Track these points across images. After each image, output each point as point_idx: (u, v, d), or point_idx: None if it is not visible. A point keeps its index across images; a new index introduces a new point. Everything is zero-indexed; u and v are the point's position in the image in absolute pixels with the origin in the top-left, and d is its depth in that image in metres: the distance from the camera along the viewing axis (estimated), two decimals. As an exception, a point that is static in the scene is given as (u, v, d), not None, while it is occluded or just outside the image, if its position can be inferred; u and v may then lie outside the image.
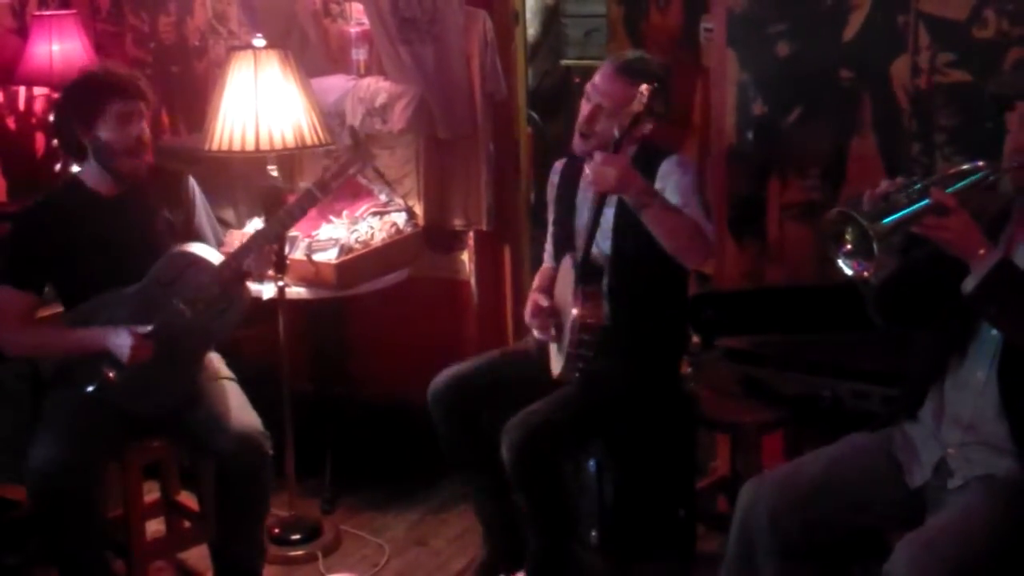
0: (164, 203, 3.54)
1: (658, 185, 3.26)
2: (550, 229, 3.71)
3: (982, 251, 2.50)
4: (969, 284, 2.51)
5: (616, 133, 3.12)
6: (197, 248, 3.46)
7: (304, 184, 3.59)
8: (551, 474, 3.29)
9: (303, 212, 3.53)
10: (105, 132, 3.36)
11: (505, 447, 3.22)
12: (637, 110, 3.09)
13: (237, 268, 3.39)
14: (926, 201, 2.49)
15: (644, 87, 3.10)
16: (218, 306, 3.38)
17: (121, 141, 3.36)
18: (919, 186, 2.56)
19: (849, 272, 2.52)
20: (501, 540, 3.65)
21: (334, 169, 3.51)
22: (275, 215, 3.51)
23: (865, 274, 2.52)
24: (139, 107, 3.39)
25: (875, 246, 2.45)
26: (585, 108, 3.36)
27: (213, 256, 3.45)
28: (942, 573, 2.40)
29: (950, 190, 2.53)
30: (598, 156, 3.11)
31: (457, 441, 3.56)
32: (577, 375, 3.26)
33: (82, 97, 3.40)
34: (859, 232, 2.49)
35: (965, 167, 2.65)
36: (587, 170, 3.20)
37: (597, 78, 3.36)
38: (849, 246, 2.53)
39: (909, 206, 2.49)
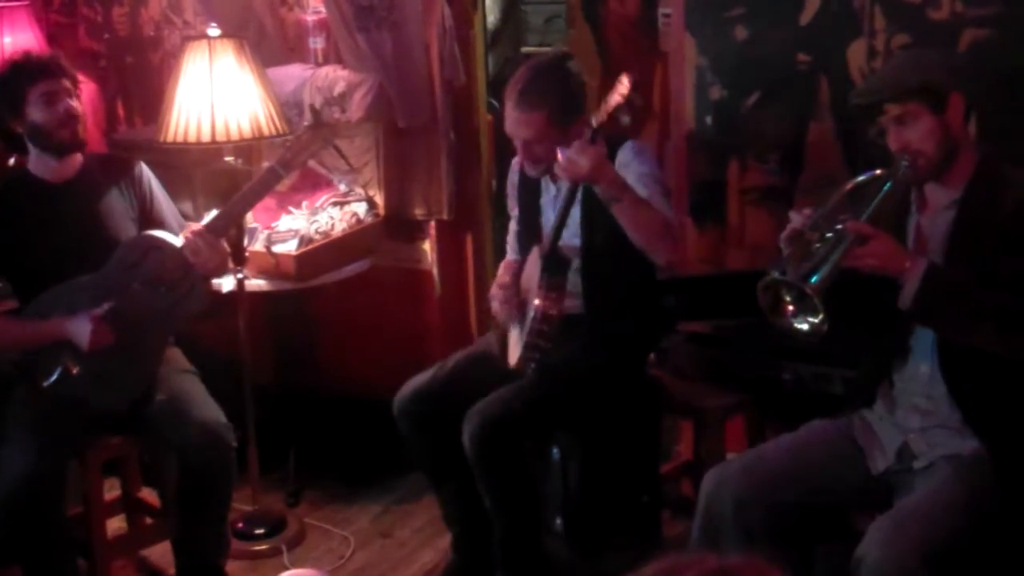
0: (115, 188, 3.53)
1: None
2: (513, 226, 3.70)
3: (908, 264, 2.52)
4: (906, 299, 2.52)
5: (594, 123, 3.09)
6: (159, 232, 3.45)
7: (266, 163, 3.56)
8: (513, 461, 3.27)
9: (267, 190, 3.52)
10: (34, 115, 3.37)
11: (466, 435, 3.20)
12: (616, 102, 3.05)
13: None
14: (844, 239, 2.50)
15: (624, 77, 3.06)
16: (180, 289, 3.36)
17: (51, 119, 3.37)
18: (823, 211, 2.59)
19: (805, 327, 2.52)
20: (471, 547, 3.60)
21: (296, 147, 3.50)
22: (238, 194, 3.49)
23: (816, 322, 2.50)
24: (62, 84, 3.40)
25: (818, 303, 2.45)
26: (517, 144, 3.36)
27: (175, 240, 3.43)
28: (915, 553, 2.41)
29: (865, 216, 2.55)
30: (574, 145, 3.08)
31: (427, 451, 3.55)
32: (533, 366, 3.26)
33: (4, 89, 3.41)
34: (796, 293, 2.50)
35: (862, 179, 2.68)
36: (559, 158, 3.17)
37: (506, 122, 3.34)
38: (791, 307, 2.54)
39: (829, 250, 2.49)
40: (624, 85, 3.04)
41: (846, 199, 2.64)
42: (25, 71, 3.39)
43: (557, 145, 3.19)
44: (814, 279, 2.45)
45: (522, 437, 3.28)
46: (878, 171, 2.66)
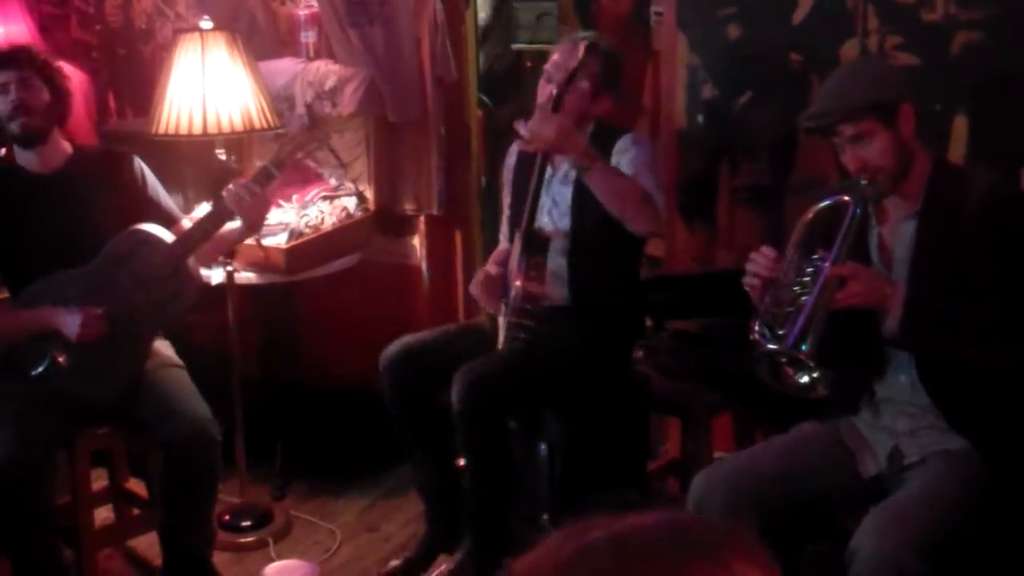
0: (107, 182, 3.51)
1: (613, 161, 3.26)
2: (505, 212, 3.70)
3: (888, 291, 2.52)
4: (891, 328, 2.52)
5: (553, 91, 3.10)
6: (150, 227, 3.44)
7: (259, 162, 3.55)
8: (496, 423, 3.28)
9: (260, 189, 3.50)
10: None
11: (454, 394, 3.19)
12: (572, 66, 3.07)
13: (188, 248, 3.39)
14: (825, 288, 2.48)
15: (580, 44, 3.09)
16: (169, 287, 3.35)
17: (2, 111, 3.39)
18: (792, 251, 2.58)
19: (806, 380, 2.51)
20: (443, 519, 3.62)
21: (290, 147, 3.49)
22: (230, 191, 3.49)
23: (817, 377, 2.48)
24: (18, 75, 3.39)
25: (814, 364, 2.44)
26: (546, 88, 3.33)
27: (166, 235, 3.42)
28: (909, 544, 2.41)
29: (841, 254, 2.52)
30: (536, 116, 3.09)
31: (405, 411, 3.53)
32: (518, 346, 3.25)
33: None
34: (790, 359, 2.49)
35: (824, 204, 2.64)
36: (521, 130, 3.18)
37: (557, 56, 3.35)
38: (790, 369, 2.52)
39: (811, 305, 2.46)
40: (579, 50, 3.07)
41: (812, 227, 2.62)
42: None
43: (586, 102, 3.22)
44: (804, 347, 2.44)
45: (509, 401, 3.28)
46: (845, 197, 2.62)
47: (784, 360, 2.52)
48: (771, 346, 2.51)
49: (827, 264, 2.52)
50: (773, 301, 2.56)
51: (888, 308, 2.52)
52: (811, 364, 2.45)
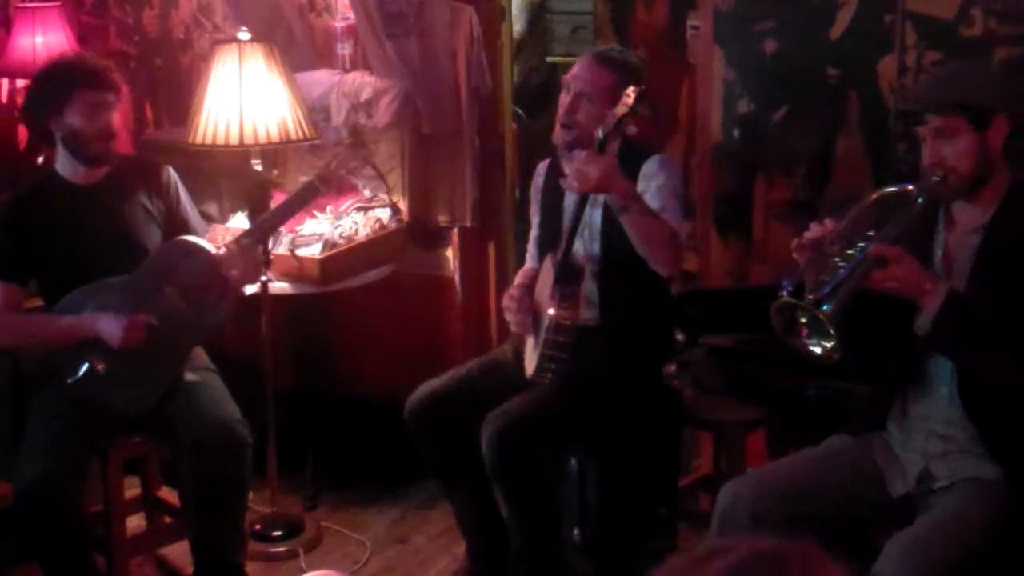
0: (142, 192, 3.54)
1: (640, 186, 3.23)
2: (534, 231, 3.69)
3: (928, 286, 2.48)
4: (923, 324, 2.48)
5: (600, 134, 3.09)
6: (194, 238, 3.47)
7: (303, 178, 3.58)
8: (529, 469, 3.26)
9: (304, 204, 3.53)
10: (73, 119, 3.37)
11: (484, 441, 3.19)
12: (622, 112, 3.05)
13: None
14: (865, 261, 2.45)
15: (631, 89, 3.07)
16: (210, 296, 3.37)
17: (88, 129, 3.37)
18: (846, 223, 2.54)
19: (818, 351, 2.47)
20: (485, 553, 3.61)
21: (335, 163, 3.52)
22: (275, 207, 3.52)
23: (829, 348, 2.44)
24: (108, 98, 3.40)
25: (831, 329, 2.40)
26: (565, 99, 3.34)
27: (209, 247, 3.45)
28: (931, 572, 2.39)
29: (890, 237, 2.49)
30: (581, 155, 3.08)
31: (438, 455, 3.54)
32: (549, 376, 3.23)
33: (53, 83, 3.41)
34: (810, 316, 2.45)
35: (890, 190, 2.62)
36: (566, 169, 3.18)
37: (576, 68, 3.35)
38: (806, 329, 2.48)
39: (847, 273, 2.44)
40: (629, 96, 3.06)
41: (872, 210, 2.60)
42: (75, 74, 3.39)
43: (600, 121, 3.18)
44: (826, 307, 2.40)
45: (540, 444, 3.27)
46: (909, 186, 2.59)
47: (803, 319, 2.47)
48: (793, 299, 2.46)
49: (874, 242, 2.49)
50: (810, 265, 2.53)
51: (924, 303, 2.48)
52: (828, 329, 2.40)
